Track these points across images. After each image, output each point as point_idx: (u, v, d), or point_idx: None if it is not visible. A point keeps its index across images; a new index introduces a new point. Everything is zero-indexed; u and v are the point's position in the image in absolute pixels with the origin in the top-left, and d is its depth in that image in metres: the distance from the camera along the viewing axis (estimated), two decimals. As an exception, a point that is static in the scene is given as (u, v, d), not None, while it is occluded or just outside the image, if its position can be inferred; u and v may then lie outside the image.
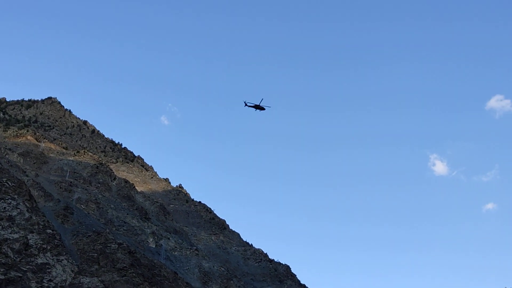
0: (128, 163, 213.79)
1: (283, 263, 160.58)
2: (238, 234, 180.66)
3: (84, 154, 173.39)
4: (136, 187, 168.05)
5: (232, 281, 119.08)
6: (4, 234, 56.45)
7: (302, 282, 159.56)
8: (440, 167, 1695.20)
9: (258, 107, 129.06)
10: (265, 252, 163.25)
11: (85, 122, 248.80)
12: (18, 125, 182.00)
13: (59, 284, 55.67)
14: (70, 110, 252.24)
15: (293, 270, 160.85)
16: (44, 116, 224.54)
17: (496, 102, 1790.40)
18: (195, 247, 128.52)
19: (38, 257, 56.91)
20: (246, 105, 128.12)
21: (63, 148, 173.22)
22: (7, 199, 62.62)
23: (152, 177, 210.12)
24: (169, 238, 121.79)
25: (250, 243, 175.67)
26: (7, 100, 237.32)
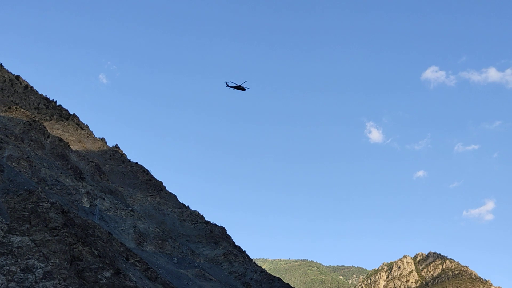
0: (62, 121, 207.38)
1: (219, 225, 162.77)
2: (175, 196, 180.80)
3: (16, 110, 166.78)
4: (71, 146, 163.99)
5: (167, 242, 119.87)
6: None
7: (237, 243, 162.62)
8: (375, 135, 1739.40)
9: (239, 87, 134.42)
10: (201, 214, 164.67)
11: (17, 77, 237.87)
12: None
13: (-13, 243, 54.43)
14: (1, 63, 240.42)
15: (228, 232, 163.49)
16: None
17: (431, 73, 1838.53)
18: (130, 208, 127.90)
19: (-35, 215, 55.21)
20: (227, 85, 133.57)
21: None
22: None
23: (87, 137, 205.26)
24: (104, 199, 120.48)
25: (186, 205, 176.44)
26: None
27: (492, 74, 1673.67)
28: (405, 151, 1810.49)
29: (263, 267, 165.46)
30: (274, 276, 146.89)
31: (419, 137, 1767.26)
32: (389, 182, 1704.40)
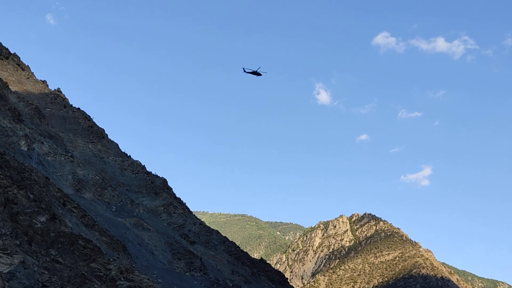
0: (2, 60, 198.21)
1: (160, 176, 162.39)
2: (117, 145, 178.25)
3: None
4: (10, 87, 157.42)
5: (106, 190, 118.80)
6: None
7: (178, 195, 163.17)
8: (323, 96, 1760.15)
9: (255, 73, 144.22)
10: (143, 164, 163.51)
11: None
12: None
13: None
14: None
15: (170, 184, 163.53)
16: None
17: (382, 39, 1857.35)
18: (70, 154, 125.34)
19: None
20: (244, 71, 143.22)
21: None
22: None
23: (28, 78, 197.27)
24: (42, 143, 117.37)
25: (128, 154, 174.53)
26: None
27: (440, 44, 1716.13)
28: (351, 114, 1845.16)
29: (202, 220, 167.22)
30: (212, 229, 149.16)
31: (365, 101, 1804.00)
32: (332, 143, 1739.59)
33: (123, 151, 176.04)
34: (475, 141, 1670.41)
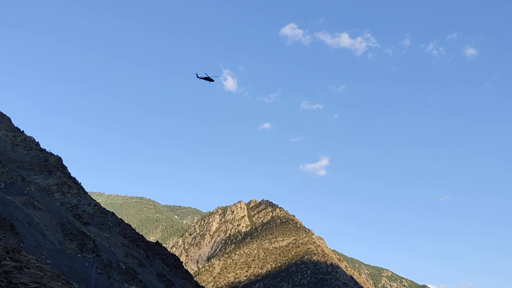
0: None
1: (55, 154, 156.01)
2: (9, 119, 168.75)
3: None
4: None
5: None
6: None
7: (72, 175, 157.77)
8: (230, 83, 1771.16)
9: (208, 78, 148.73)
10: (36, 141, 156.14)
11: None
12: None
13: None
14: None
15: (65, 163, 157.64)
16: None
17: (289, 30, 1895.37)
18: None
19: None
20: (197, 77, 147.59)
21: None
22: None
23: None
24: None
25: (21, 130, 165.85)
26: None
27: (344, 39, 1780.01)
28: (256, 102, 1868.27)
29: (98, 201, 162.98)
30: (107, 211, 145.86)
31: (270, 91, 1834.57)
32: (236, 130, 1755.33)
33: (15, 125, 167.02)
34: (371, 134, 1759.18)
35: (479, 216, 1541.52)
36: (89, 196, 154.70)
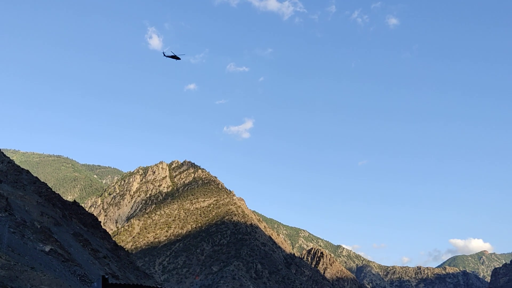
0: None
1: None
2: None
3: None
4: None
5: None
6: None
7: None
8: (155, 41, 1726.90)
9: (175, 57, 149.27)
10: None
11: None
12: None
13: None
14: None
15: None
16: None
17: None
18: None
19: None
20: (164, 55, 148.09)
21: None
22: None
23: None
24: None
25: None
26: None
27: (272, 3, 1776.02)
28: (181, 62, 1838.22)
29: (12, 159, 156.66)
30: (22, 168, 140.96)
31: (197, 51, 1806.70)
32: (159, 92, 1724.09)
33: None
34: (295, 98, 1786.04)
35: (394, 179, 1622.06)
36: (2, 153, 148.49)
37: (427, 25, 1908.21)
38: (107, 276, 16.45)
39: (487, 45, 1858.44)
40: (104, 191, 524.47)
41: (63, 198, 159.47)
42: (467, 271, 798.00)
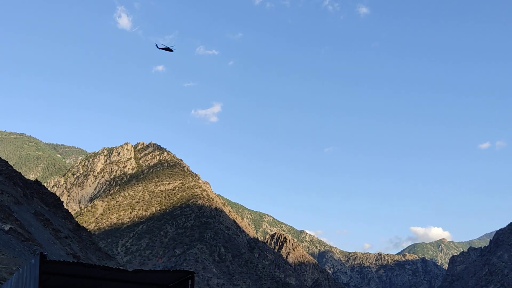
0: None
1: None
2: None
3: None
4: None
5: None
6: None
7: None
8: (124, 21, 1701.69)
9: (167, 49, 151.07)
10: None
11: None
12: None
13: None
14: None
15: None
16: None
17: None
18: None
19: None
20: (157, 47, 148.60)
21: None
22: None
23: None
24: None
25: None
26: None
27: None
28: (149, 42, 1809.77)
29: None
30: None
31: (166, 32, 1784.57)
32: (127, 73, 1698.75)
33: None
34: (264, 84, 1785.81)
35: (358, 167, 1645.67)
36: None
37: (396, 14, 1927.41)
38: (45, 253, 16.80)
39: (457, 38, 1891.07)
40: (67, 171, 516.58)
41: (25, 177, 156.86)
42: (426, 258, 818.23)
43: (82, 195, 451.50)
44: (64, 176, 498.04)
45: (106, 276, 19.82)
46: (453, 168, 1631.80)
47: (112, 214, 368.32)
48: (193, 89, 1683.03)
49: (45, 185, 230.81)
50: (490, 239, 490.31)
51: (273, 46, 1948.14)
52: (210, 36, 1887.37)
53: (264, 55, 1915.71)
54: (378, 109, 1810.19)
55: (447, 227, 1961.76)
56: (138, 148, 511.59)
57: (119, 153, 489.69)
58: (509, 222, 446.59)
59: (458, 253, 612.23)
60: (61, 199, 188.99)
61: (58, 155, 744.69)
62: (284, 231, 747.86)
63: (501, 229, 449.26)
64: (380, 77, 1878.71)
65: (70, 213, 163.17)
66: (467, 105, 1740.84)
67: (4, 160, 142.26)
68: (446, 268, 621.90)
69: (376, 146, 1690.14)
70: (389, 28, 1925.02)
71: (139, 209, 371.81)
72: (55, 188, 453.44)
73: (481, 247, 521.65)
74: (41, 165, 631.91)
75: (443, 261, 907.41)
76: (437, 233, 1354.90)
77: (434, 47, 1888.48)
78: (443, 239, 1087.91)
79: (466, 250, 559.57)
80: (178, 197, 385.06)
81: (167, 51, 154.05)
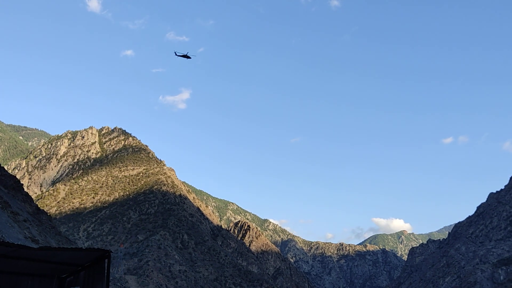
0: None
1: None
2: None
3: None
4: None
5: None
6: None
7: None
8: (94, 4, 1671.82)
9: (186, 56, 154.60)
10: None
11: None
12: None
13: None
14: None
15: None
16: None
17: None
18: None
19: None
20: (176, 54, 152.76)
21: None
22: None
23: None
24: None
25: None
26: None
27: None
28: (119, 27, 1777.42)
29: None
30: None
31: (136, 16, 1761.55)
32: (94, 56, 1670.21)
33: None
34: (233, 71, 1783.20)
35: (323, 159, 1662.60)
36: None
37: (368, 8, 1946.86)
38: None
39: (428, 28, 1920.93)
40: (29, 154, 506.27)
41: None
42: (386, 249, 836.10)
43: (44, 179, 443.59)
44: (26, 158, 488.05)
45: (9, 254, 18.30)
46: (417, 161, 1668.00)
47: (74, 199, 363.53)
48: (162, 75, 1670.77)
49: (5, 167, 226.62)
50: (448, 232, 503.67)
51: (244, 34, 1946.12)
52: (181, 22, 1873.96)
53: (235, 43, 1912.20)
54: (344, 99, 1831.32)
55: (408, 219, 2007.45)
56: (103, 132, 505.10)
57: (83, 137, 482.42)
58: (467, 216, 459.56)
59: (418, 245, 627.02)
60: (22, 182, 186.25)
61: (20, 137, 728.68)
62: (248, 219, 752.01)
63: (459, 222, 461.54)
64: (348, 66, 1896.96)
65: (30, 196, 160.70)
66: (434, 98, 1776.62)
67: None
68: (406, 259, 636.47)
69: (342, 136, 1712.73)
70: (360, 21, 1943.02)
71: (102, 194, 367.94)
72: (16, 171, 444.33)
73: (439, 239, 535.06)
74: (2, 146, 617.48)
75: (403, 252, 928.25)
76: (398, 225, 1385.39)
77: (405, 38, 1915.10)
78: (404, 231, 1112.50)
79: (426, 242, 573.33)
80: (142, 183, 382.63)
81: (186, 58, 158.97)
